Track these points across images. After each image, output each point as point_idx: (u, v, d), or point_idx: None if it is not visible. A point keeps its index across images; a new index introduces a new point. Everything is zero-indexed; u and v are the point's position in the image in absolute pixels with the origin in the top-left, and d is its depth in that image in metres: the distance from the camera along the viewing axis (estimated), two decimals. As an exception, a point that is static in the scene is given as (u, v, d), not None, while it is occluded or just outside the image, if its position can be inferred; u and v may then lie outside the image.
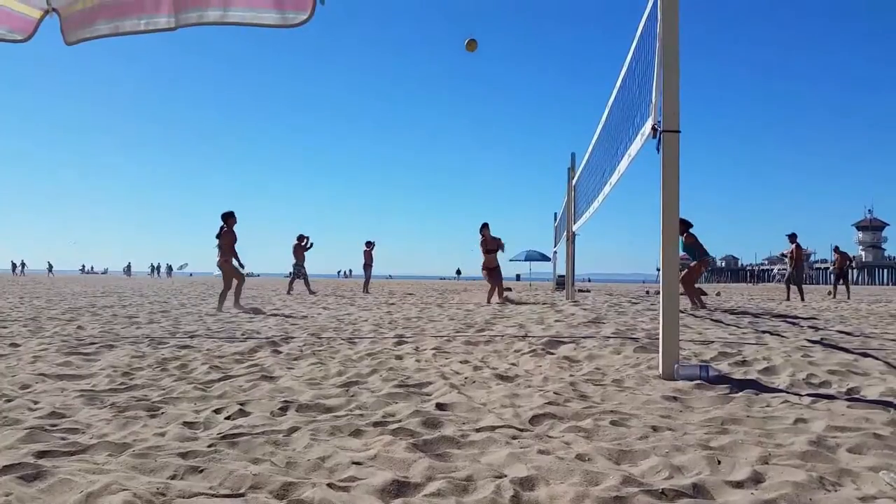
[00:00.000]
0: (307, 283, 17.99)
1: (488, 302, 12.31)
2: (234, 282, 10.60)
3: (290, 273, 18.29)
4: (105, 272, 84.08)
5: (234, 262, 10.57)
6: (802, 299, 15.50)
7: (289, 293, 16.99)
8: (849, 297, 17.59)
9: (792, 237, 15.51)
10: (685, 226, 11.28)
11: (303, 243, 18.19)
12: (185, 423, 2.76)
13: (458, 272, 67.26)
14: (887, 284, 78.39)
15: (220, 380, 3.84)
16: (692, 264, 11.40)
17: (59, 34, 4.86)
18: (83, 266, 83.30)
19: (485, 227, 12.81)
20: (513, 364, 4.55)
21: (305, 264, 18.13)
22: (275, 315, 9.05)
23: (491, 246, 12.80)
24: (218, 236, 10.56)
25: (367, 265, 19.66)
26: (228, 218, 10.66)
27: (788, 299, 15.82)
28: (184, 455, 2.28)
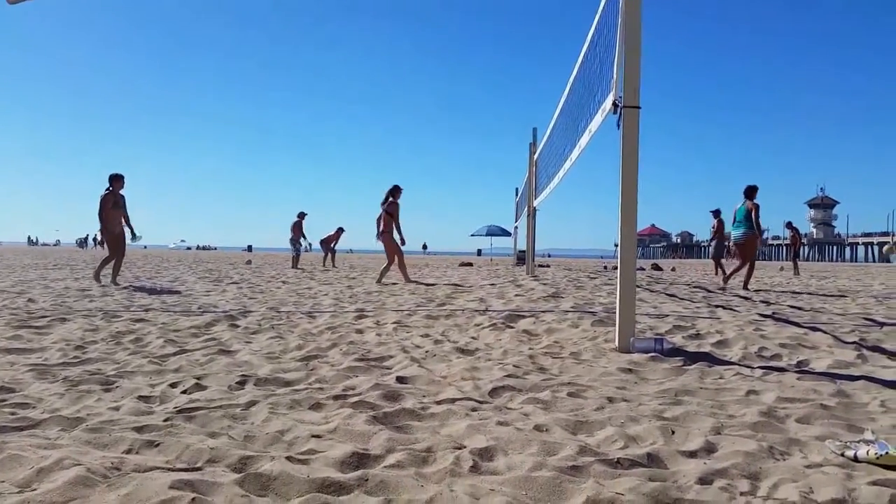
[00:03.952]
0: (294, 259, 18.15)
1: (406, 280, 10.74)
2: (114, 252, 9.58)
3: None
4: (56, 244, 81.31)
5: (126, 230, 9.61)
6: (717, 273, 15.70)
7: (293, 267, 17.24)
8: (797, 274, 18.11)
9: (715, 212, 15.77)
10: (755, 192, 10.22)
11: (303, 220, 18.38)
12: (141, 398, 2.71)
13: (425, 246, 67.19)
14: (837, 261, 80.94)
15: (175, 354, 3.78)
16: (746, 239, 10.19)
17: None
18: (29, 237, 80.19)
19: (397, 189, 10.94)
20: (473, 338, 4.58)
21: (302, 240, 18.37)
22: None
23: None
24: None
25: (323, 241, 19.98)
26: (114, 181, 9.44)
27: (717, 274, 15.92)
28: (139, 429, 2.24)
